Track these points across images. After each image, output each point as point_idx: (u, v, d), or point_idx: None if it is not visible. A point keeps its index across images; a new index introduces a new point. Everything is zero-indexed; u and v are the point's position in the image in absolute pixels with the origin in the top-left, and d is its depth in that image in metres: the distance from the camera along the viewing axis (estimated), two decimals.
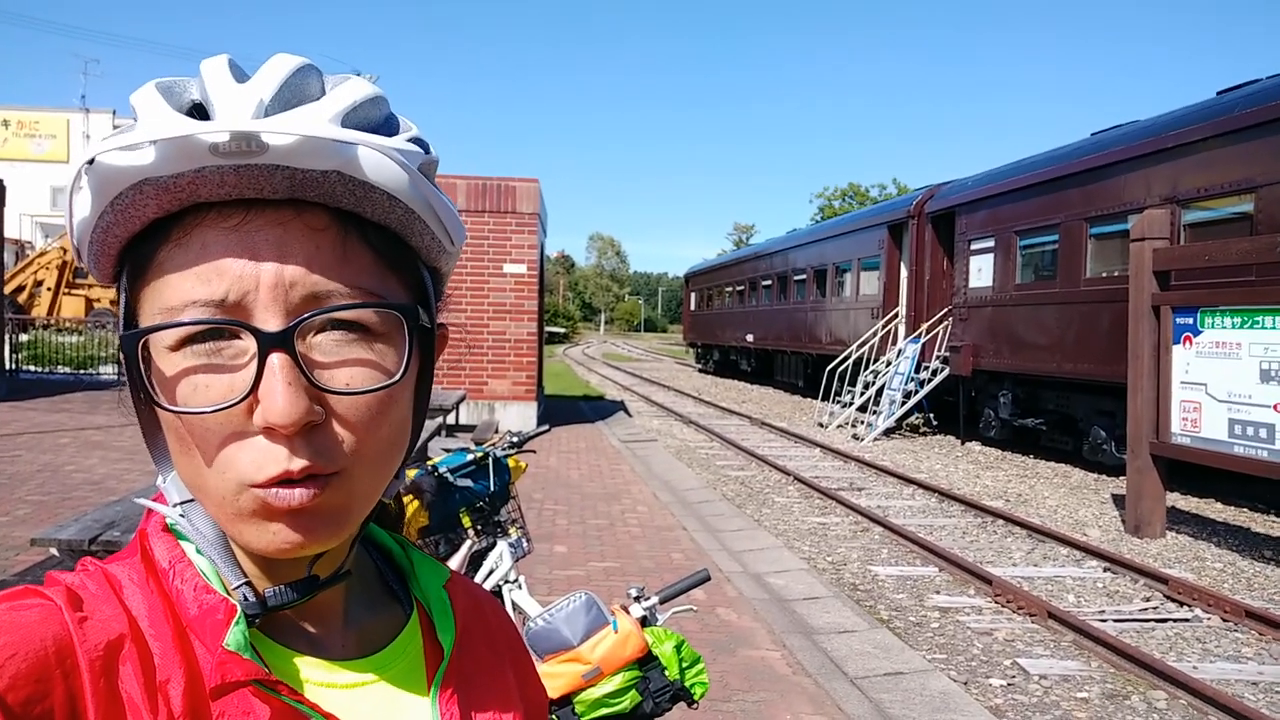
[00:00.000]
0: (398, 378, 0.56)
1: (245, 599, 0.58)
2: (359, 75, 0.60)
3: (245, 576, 0.59)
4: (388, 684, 0.63)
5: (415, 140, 0.58)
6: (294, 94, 0.54)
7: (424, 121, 0.61)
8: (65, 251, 26.27)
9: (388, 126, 0.58)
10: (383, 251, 0.58)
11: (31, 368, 18.13)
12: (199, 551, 0.59)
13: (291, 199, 0.54)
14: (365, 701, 0.61)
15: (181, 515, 0.60)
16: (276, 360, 0.52)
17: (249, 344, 0.53)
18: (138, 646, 0.52)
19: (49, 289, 25.84)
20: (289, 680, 0.58)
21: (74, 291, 26.44)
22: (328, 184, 0.53)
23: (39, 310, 24.84)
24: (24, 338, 18.86)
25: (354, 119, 0.55)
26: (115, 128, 0.54)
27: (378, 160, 0.54)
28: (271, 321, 0.53)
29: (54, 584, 0.54)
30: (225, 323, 0.52)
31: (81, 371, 18.34)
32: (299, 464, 0.52)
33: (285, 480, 0.53)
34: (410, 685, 0.64)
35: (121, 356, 0.57)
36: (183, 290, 0.53)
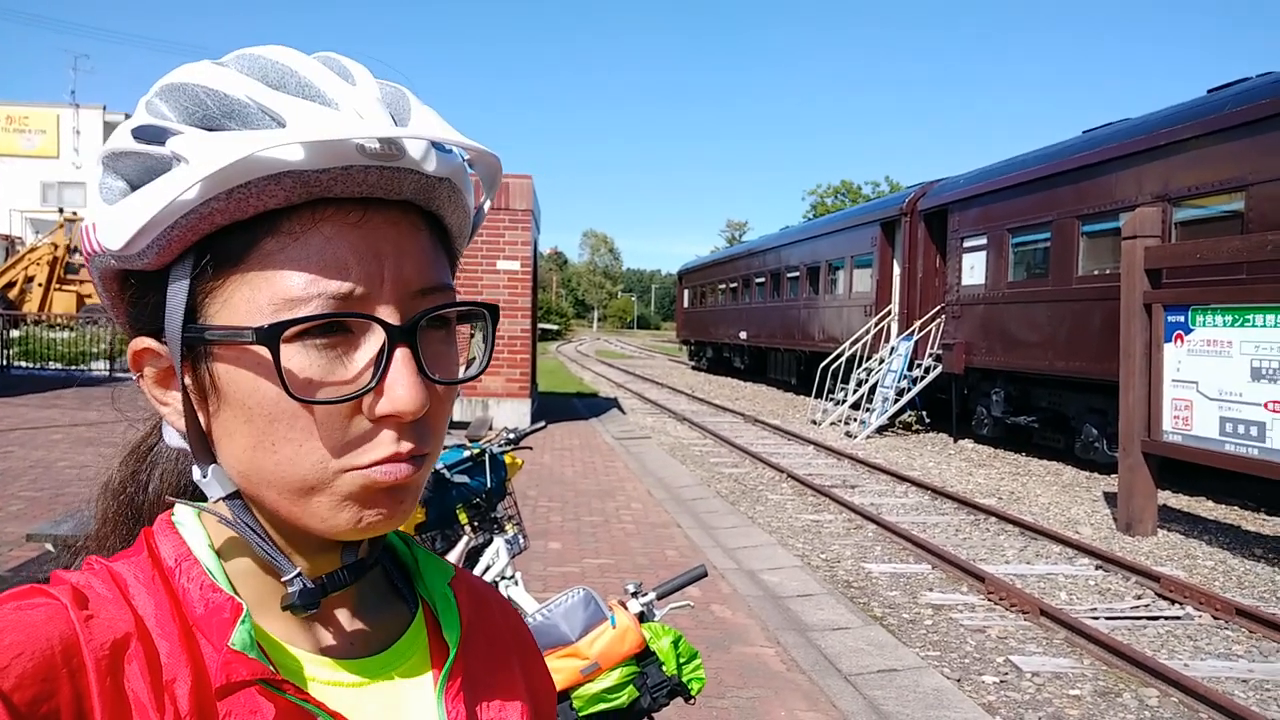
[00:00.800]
0: (484, 365, 0.62)
1: (305, 586, 0.59)
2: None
3: (297, 567, 0.59)
4: (394, 681, 0.63)
5: None
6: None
7: None
8: (56, 247, 26.09)
9: None
10: (448, 252, 0.63)
11: (23, 364, 18.09)
12: (208, 547, 0.59)
13: (400, 200, 0.57)
14: (371, 699, 0.61)
15: (230, 509, 0.60)
16: (401, 354, 0.55)
17: (368, 337, 0.56)
18: (144, 645, 0.52)
19: (40, 285, 25.65)
20: (295, 679, 0.58)
21: (65, 287, 26.26)
22: (438, 189, 0.58)
23: (30, 306, 24.68)
24: (15, 334, 18.80)
25: None
26: (129, 118, 0.53)
27: (465, 172, 0.60)
28: (392, 316, 0.56)
29: (60, 583, 0.54)
30: (361, 316, 0.55)
31: (73, 367, 18.28)
32: (407, 446, 0.56)
33: (392, 459, 0.56)
34: (416, 682, 0.64)
35: (212, 350, 0.56)
36: (306, 283, 0.54)
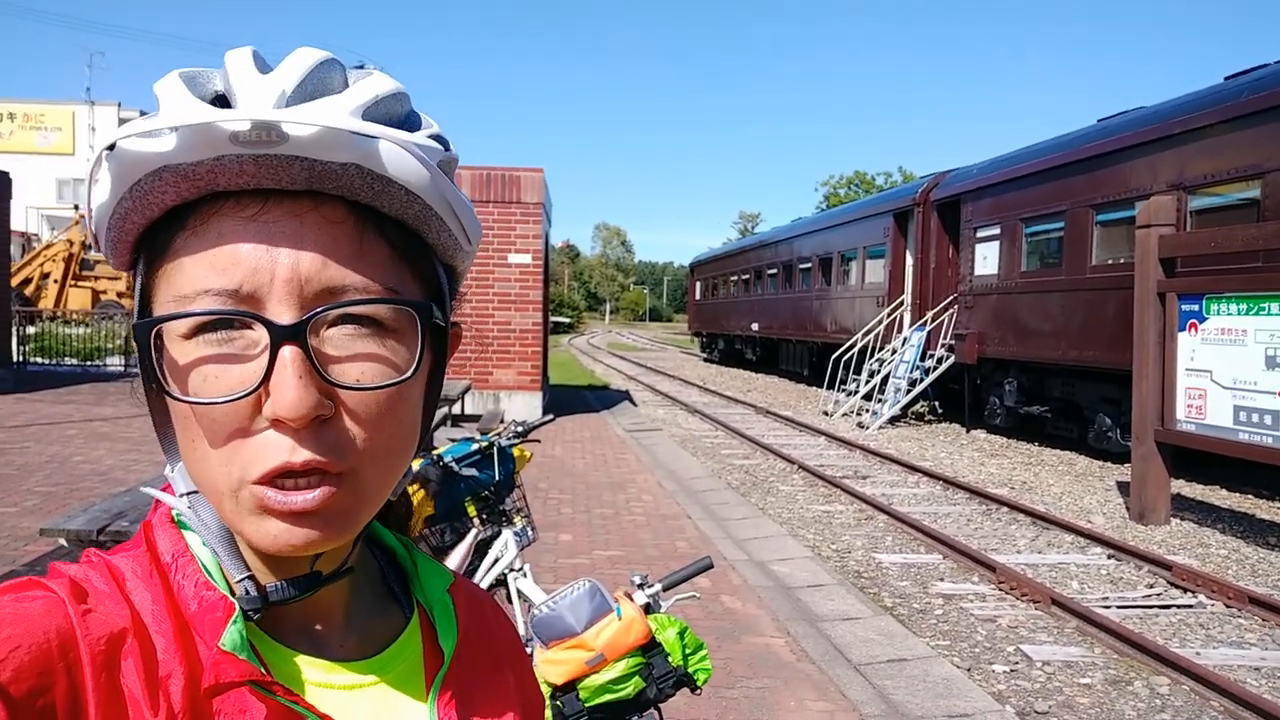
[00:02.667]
0: (409, 374, 0.56)
1: (247, 593, 0.57)
2: (363, 66, 0.59)
3: (248, 570, 0.58)
4: (386, 686, 0.63)
5: (435, 137, 0.58)
6: (316, 86, 0.54)
7: (428, 111, 0.60)
8: (71, 244, 26.32)
9: (409, 122, 0.58)
10: (399, 247, 0.57)
11: (39, 359, 18.23)
12: (203, 544, 0.59)
13: (309, 191, 0.53)
14: (363, 703, 0.61)
15: (189, 506, 0.59)
16: (288, 353, 0.52)
17: (261, 335, 0.52)
18: (140, 641, 0.52)
19: (55, 281, 25.89)
20: (287, 680, 0.57)
21: (80, 283, 26.50)
22: (346, 177, 0.53)
23: (46, 302, 24.92)
24: (31, 330, 18.95)
25: (375, 113, 0.55)
26: (142, 115, 0.53)
27: (398, 155, 0.54)
28: (285, 314, 0.52)
29: (57, 575, 0.54)
30: (237, 313, 0.52)
31: (88, 363, 18.43)
32: (302, 456, 0.52)
33: (287, 474, 0.52)
34: (409, 689, 0.64)
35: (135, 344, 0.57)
36: (196, 278, 0.53)
